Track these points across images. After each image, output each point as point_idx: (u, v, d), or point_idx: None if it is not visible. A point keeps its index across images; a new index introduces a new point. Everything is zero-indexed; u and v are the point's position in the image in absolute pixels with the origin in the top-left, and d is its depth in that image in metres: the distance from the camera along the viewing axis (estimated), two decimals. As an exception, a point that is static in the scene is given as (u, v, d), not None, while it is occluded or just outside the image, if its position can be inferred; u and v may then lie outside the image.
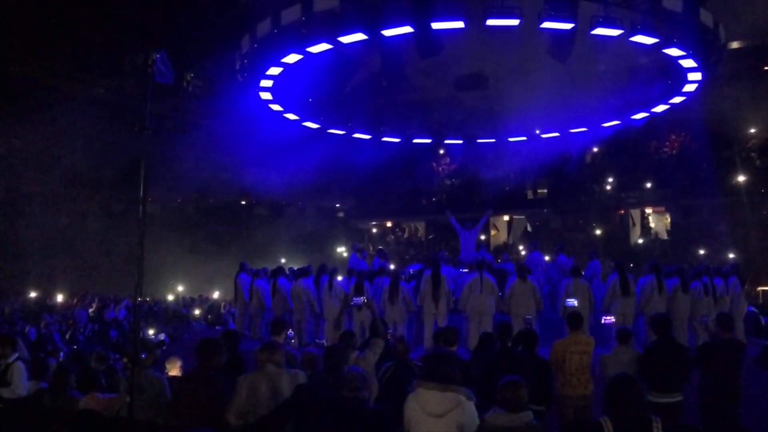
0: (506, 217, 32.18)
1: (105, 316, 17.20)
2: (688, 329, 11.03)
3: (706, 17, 12.82)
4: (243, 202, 32.40)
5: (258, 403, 4.92)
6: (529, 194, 31.74)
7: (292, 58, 13.51)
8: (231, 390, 5.05)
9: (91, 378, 6.20)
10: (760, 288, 21.25)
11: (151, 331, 15.29)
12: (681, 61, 13.49)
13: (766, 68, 26.25)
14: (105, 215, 27.64)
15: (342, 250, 29.37)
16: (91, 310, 18.13)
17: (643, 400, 4.00)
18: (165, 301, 23.00)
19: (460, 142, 22.84)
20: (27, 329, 14.02)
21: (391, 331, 10.64)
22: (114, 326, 16.27)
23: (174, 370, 7.18)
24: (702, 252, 23.85)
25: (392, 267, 14.94)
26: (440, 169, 33.94)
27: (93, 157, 27.09)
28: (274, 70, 14.23)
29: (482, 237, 25.97)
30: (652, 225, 28.95)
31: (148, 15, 21.86)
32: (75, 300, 20.72)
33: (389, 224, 34.90)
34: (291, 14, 12.81)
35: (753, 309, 14.20)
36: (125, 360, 7.45)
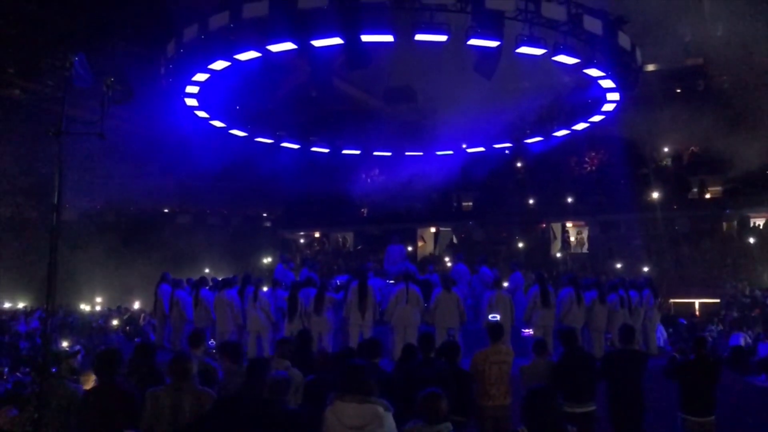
0: (433, 229, 32.56)
1: (15, 328, 16.40)
2: (604, 340, 11.43)
3: (624, 40, 13.38)
4: (165, 210, 31.46)
5: (158, 418, 4.84)
6: (455, 207, 32.21)
7: (219, 65, 13.32)
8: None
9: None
10: (672, 300, 22.20)
11: (65, 343, 14.65)
12: (600, 81, 14.03)
13: (678, 90, 27.66)
14: (18, 222, 26.32)
15: (269, 261, 28.98)
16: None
17: (560, 411, 4.11)
18: (81, 311, 22.08)
19: (389, 154, 22.98)
20: None
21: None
22: (24, 338, 15.53)
23: (89, 383, 6.92)
24: (618, 265, 24.69)
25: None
26: (369, 180, 34.02)
27: (6, 160, 25.80)
28: (201, 77, 13.99)
29: (409, 248, 26.21)
30: (571, 238, 29.85)
31: (68, 15, 21.08)
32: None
33: (317, 235, 34.69)
34: (219, 20, 12.64)
35: (683, 321, 15.01)
36: (33, 373, 7.14)
